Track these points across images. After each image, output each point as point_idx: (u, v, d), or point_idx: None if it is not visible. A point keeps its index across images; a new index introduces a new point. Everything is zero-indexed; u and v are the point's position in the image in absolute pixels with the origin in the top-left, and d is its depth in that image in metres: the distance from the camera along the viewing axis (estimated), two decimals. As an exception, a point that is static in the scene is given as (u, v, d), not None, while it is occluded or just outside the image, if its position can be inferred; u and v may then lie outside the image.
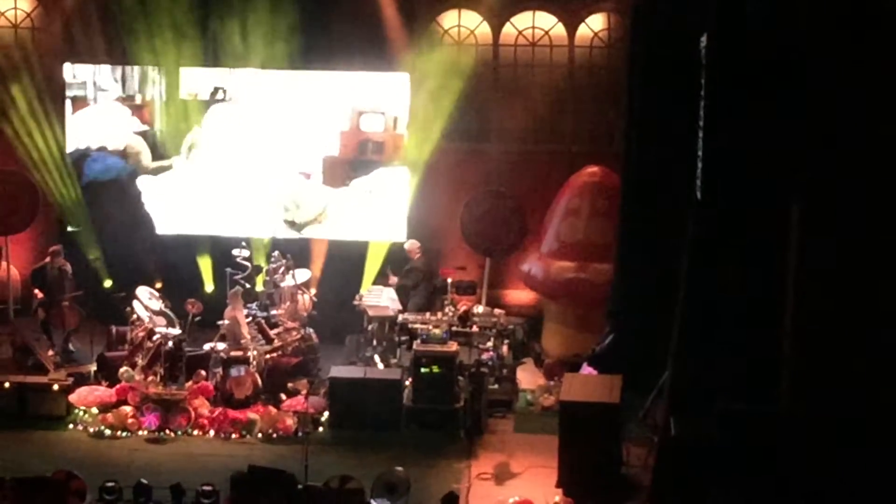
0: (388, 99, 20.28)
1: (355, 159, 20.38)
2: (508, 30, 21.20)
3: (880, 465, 12.25)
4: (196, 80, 20.47)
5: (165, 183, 20.67)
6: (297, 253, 19.71)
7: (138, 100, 20.73)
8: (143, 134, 20.73)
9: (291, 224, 20.53)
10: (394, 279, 19.86)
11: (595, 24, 21.10)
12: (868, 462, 12.31)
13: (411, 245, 20.02)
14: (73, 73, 20.75)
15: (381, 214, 20.38)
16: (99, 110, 20.73)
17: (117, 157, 20.78)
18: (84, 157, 20.83)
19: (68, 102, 20.71)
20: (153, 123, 20.72)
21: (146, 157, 20.72)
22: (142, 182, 20.72)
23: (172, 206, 20.72)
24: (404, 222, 20.33)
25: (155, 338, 18.04)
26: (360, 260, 20.24)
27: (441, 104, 19.90)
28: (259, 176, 20.42)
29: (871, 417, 12.39)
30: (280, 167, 20.41)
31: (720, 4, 13.55)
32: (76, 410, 17.59)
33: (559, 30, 21.12)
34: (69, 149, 20.76)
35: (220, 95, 20.49)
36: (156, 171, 20.71)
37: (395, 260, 20.20)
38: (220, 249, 19.98)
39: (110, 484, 14.48)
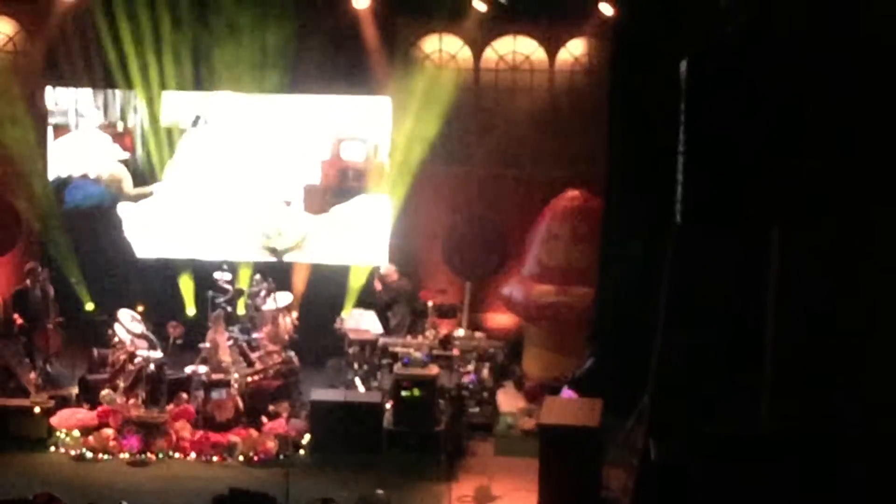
0: (369, 126, 20.38)
1: (336, 187, 20.47)
2: (489, 54, 21.27)
3: (865, 486, 12.30)
4: (178, 108, 20.50)
5: (147, 206, 20.68)
6: (278, 276, 19.75)
7: (120, 127, 20.75)
8: (124, 161, 20.77)
9: (272, 251, 20.59)
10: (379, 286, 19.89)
11: (575, 48, 21.18)
12: (851, 484, 12.36)
13: (387, 270, 20.08)
14: (55, 100, 20.79)
15: (362, 240, 20.45)
16: (80, 137, 20.74)
17: (98, 184, 20.79)
18: (65, 184, 20.83)
19: (50, 129, 20.73)
20: (135, 151, 20.75)
21: (127, 185, 20.75)
22: (123, 209, 20.74)
23: (154, 229, 20.73)
24: (386, 246, 20.41)
25: (136, 361, 18.01)
26: (342, 283, 20.28)
27: (423, 128, 20.05)
28: (240, 200, 20.48)
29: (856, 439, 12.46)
30: (261, 194, 20.46)
31: (700, 30, 13.65)
32: (57, 433, 17.52)
33: (540, 54, 21.19)
34: (50, 176, 20.76)
35: (201, 123, 20.54)
36: (137, 199, 20.73)
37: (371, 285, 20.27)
38: (202, 273, 20.02)
39: (92, 507, 14.47)
